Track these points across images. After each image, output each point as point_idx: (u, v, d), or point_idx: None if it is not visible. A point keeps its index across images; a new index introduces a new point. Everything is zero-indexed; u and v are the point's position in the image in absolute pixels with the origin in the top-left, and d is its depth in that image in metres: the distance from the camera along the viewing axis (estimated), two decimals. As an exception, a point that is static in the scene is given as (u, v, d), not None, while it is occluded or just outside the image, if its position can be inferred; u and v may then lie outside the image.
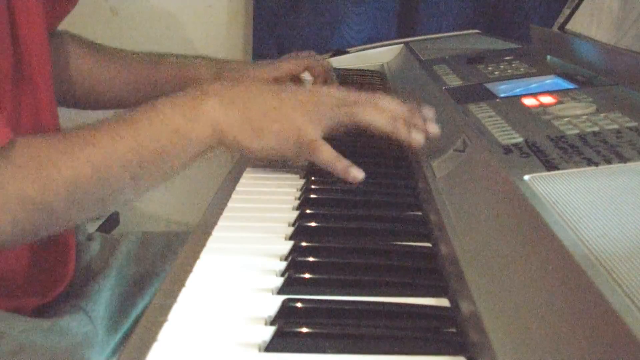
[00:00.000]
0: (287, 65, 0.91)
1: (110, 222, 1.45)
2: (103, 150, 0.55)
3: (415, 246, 0.52)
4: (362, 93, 0.64)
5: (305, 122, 0.60)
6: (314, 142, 0.60)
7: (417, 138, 0.62)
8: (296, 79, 0.93)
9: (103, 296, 0.80)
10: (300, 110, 0.61)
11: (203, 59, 0.91)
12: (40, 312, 0.74)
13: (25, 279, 0.71)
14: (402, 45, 1.26)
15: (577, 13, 0.89)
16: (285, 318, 0.40)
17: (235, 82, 0.63)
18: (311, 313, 0.41)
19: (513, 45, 1.06)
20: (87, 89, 0.88)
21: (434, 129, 0.64)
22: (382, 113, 0.62)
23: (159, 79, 0.89)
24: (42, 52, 0.70)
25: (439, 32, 1.39)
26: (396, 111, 0.63)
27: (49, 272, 0.75)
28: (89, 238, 0.90)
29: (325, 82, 0.94)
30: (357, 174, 0.60)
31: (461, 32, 1.37)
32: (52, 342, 0.69)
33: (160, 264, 0.88)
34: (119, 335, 0.82)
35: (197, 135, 0.58)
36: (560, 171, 0.44)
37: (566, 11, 0.92)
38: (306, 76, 0.96)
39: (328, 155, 0.60)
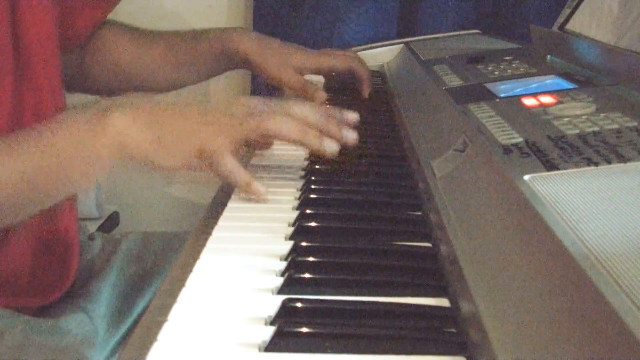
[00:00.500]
0: (332, 60, 0.90)
1: (111, 222, 1.45)
2: (2, 161, 0.55)
3: (415, 246, 0.52)
4: (273, 101, 0.62)
5: (209, 135, 0.58)
6: (216, 154, 0.58)
7: (329, 146, 0.61)
8: (333, 77, 0.92)
9: (104, 296, 0.80)
10: (206, 123, 0.59)
11: (243, 31, 0.91)
12: (41, 311, 0.74)
13: (28, 280, 0.71)
14: (402, 45, 1.26)
15: (577, 13, 0.89)
16: (285, 318, 0.40)
17: (143, 98, 0.61)
18: (311, 313, 0.41)
19: (513, 45, 1.06)
20: (135, 75, 0.89)
21: (349, 135, 0.63)
22: (291, 121, 0.60)
23: (201, 54, 0.89)
24: (48, 53, 0.70)
25: (439, 32, 1.38)
26: (307, 119, 0.61)
27: (51, 272, 0.75)
28: (90, 238, 0.90)
29: (366, 87, 0.95)
30: (259, 188, 0.59)
31: (461, 32, 1.36)
32: (52, 341, 0.69)
33: (161, 264, 0.88)
34: (119, 335, 0.82)
35: (98, 150, 0.56)
36: (560, 171, 0.44)
37: (566, 11, 0.92)
38: (314, 77, 0.94)
39: (229, 168, 0.58)
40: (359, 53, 1.31)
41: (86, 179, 0.59)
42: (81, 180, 0.59)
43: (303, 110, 0.62)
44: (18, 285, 0.70)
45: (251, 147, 0.71)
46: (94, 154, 0.56)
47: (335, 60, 0.91)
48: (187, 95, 0.98)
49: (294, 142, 0.61)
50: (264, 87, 1.26)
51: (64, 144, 0.56)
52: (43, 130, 0.57)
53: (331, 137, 0.62)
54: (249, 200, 0.61)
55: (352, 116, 0.65)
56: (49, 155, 0.56)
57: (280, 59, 0.88)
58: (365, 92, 0.96)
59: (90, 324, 0.76)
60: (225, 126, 0.59)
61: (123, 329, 0.83)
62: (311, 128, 0.61)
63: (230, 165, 0.58)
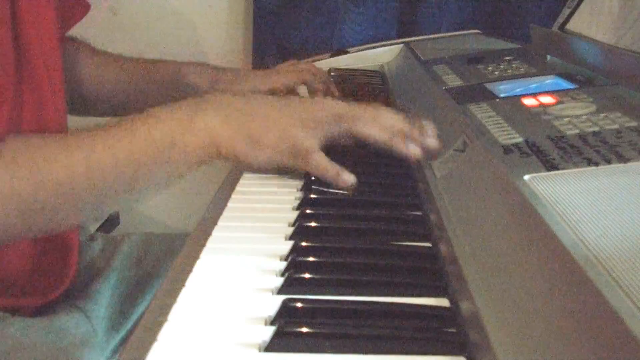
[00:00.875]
0: (283, 78, 0.91)
1: (110, 222, 1.45)
2: (99, 155, 0.55)
3: (415, 246, 0.52)
4: (361, 106, 0.65)
5: (301, 133, 0.61)
6: (309, 152, 0.60)
7: (414, 152, 0.63)
8: (292, 91, 0.92)
9: (104, 296, 0.80)
10: (297, 121, 0.61)
11: (199, 65, 0.91)
12: (40, 311, 0.74)
13: (27, 280, 0.71)
14: (402, 45, 1.26)
15: (577, 13, 0.89)
16: (285, 318, 0.40)
17: (232, 93, 0.63)
18: (311, 313, 0.41)
19: (513, 45, 1.06)
20: (89, 95, 0.89)
21: (433, 143, 0.64)
22: (380, 126, 0.63)
23: (154, 84, 0.89)
24: (49, 54, 0.70)
25: (439, 32, 1.38)
26: (395, 125, 0.64)
27: (50, 272, 0.75)
28: (91, 238, 0.90)
29: (325, 95, 0.93)
30: (348, 178, 0.61)
31: (461, 32, 1.36)
32: (49, 341, 0.69)
33: (162, 265, 0.88)
34: (120, 335, 0.82)
35: (193, 148, 0.58)
36: (560, 171, 0.44)
37: (566, 11, 0.92)
38: (302, 90, 0.95)
39: (321, 164, 0.61)
40: (359, 53, 1.32)
41: (179, 172, 0.60)
42: (174, 173, 0.60)
43: (390, 116, 0.64)
44: (17, 284, 0.70)
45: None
46: (187, 150, 0.58)
47: (286, 77, 0.91)
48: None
49: (382, 144, 0.63)
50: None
51: (160, 139, 0.57)
52: (138, 124, 0.58)
53: (415, 143, 0.63)
54: (249, 200, 0.61)
55: (432, 128, 0.66)
56: (145, 149, 0.57)
57: (231, 86, 0.89)
58: None
59: (88, 324, 0.76)
60: (317, 127, 0.61)
61: (124, 330, 0.82)
62: (398, 135, 0.63)
63: (323, 162, 0.61)
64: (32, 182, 0.53)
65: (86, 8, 0.87)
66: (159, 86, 0.89)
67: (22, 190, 0.53)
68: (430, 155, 0.64)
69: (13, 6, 0.64)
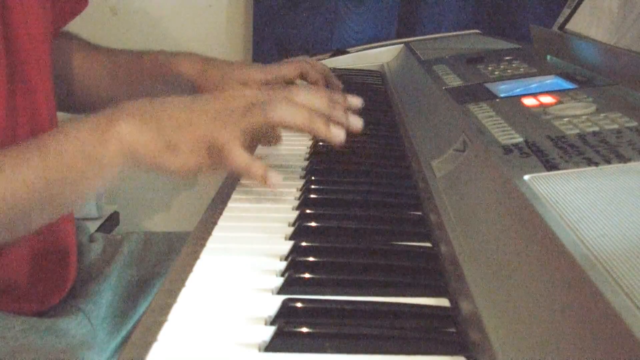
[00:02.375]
0: (279, 69, 0.87)
1: (110, 222, 1.45)
2: (8, 175, 0.54)
3: (415, 246, 0.52)
4: (276, 89, 0.61)
5: (216, 129, 0.57)
6: (225, 148, 0.57)
7: (336, 134, 0.59)
8: (290, 84, 0.89)
9: (104, 297, 0.80)
10: (211, 118, 0.58)
11: (189, 55, 0.88)
12: (40, 312, 0.74)
13: (26, 286, 0.71)
14: (402, 45, 1.26)
15: (577, 13, 0.89)
16: (285, 318, 0.40)
17: (149, 99, 0.60)
18: (311, 313, 0.41)
19: (513, 45, 1.06)
20: (82, 90, 0.88)
21: (355, 122, 0.61)
22: (296, 109, 0.59)
23: (144, 75, 0.87)
24: (40, 55, 0.69)
25: (439, 32, 1.39)
26: (313, 105, 0.60)
27: (49, 278, 0.74)
28: (92, 239, 0.90)
29: (325, 87, 0.91)
30: (274, 177, 0.57)
31: (461, 32, 1.37)
32: (49, 342, 0.69)
33: (163, 265, 0.88)
34: (121, 336, 0.82)
35: (108, 158, 0.56)
36: (560, 171, 0.44)
37: (566, 11, 0.92)
38: (300, 84, 0.93)
39: (241, 160, 0.57)
40: (359, 53, 1.32)
41: (95, 186, 0.59)
42: (90, 188, 0.59)
43: (307, 96, 0.60)
44: (16, 291, 0.70)
45: (260, 141, 0.69)
46: (103, 163, 0.56)
47: (283, 68, 0.87)
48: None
49: (300, 129, 0.59)
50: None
51: (72, 154, 0.55)
52: (48, 141, 0.56)
53: (337, 123, 0.60)
54: (249, 200, 0.61)
55: (356, 101, 0.63)
56: (57, 166, 0.55)
57: (222, 74, 0.85)
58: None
59: (88, 325, 0.75)
60: (230, 119, 0.58)
61: (125, 330, 0.82)
62: (317, 114, 0.59)
63: (241, 157, 0.57)
64: None
65: (84, 3, 0.86)
66: (148, 77, 0.87)
67: None
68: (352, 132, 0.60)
69: (3, 8, 0.64)
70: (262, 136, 0.64)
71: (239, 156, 0.57)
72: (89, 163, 0.56)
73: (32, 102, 0.67)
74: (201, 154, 0.57)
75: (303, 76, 0.89)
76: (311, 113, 0.59)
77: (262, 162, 0.58)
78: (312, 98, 0.60)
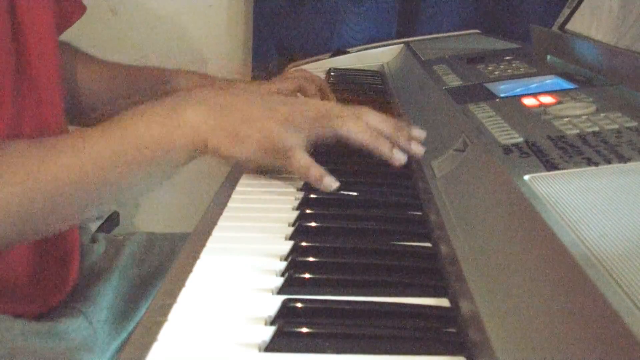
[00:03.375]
0: (278, 85, 0.88)
1: (110, 223, 1.45)
2: (85, 157, 0.55)
3: (415, 246, 0.52)
4: (347, 107, 0.63)
5: (284, 131, 0.59)
6: (291, 150, 0.59)
7: (397, 157, 0.62)
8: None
9: (105, 299, 0.80)
10: (280, 119, 0.60)
11: (187, 73, 0.89)
12: (40, 315, 0.74)
13: (28, 286, 0.71)
14: (402, 45, 1.27)
15: (577, 13, 0.89)
16: (285, 318, 0.40)
17: (217, 89, 0.62)
18: (311, 313, 0.41)
19: (513, 45, 1.06)
20: (84, 102, 0.87)
21: (417, 149, 0.63)
22: (364, 127, 0.61)
23: (139, 88, 0.88)
24: (48, 54, 0.70)
25: (439, 32, 1.39)
26: (379, 127, 0.62)
27: (51, 278, 0.74)
28: (93, 240, 0.90)
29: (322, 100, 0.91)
30: (331, 182, 0.59)
31: (461, 32, 1.37)
32: (49, 345, 0.69)
33: (165, 265, 0.88)
34: (122, 337, 0.82)
35: (178, 144, 0.57)
36: (560, 171, 0.44)
37: (566, 11, 0.92)
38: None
39: (302, 163, 0.59)
40: (359, 53, 1.32)
41: (167, 171, 0.59)
42: (162, 173, 0.59)
43: (375, 118, 0.63)
44: (18, 291, 0.70)
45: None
46: (175, 147, 0.57)
47: (281, 84, 0.88)
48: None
49: (366, 147, 0.61)
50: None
51: (146, 138, 0.56)
52: (114, 128, 0.57)
53: (400, 148, 0.62)
54: (249, 200, 0.61)
55: (420, 133, 0.65)
56: (132, 150, 0.56)
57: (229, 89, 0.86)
58: None
59: (89, 327, 0.75)
60: (301, 124, 0.60)
61: (126, 331, 0.82)
62: (382, 136, 0.62)
63: (305, 162, 0.59)
64: (23, 190, 0.53)
65: (82, 10, 0.86)
66: (145, 92, 0.87)
67: (13, 198, 0.53)
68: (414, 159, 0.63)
69: (12, 8, 0.64)
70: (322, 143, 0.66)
71: (301, 160, 0.59)
72: (159, 148, 0.57)
73: (38, 100, 0.68)
74: (266, 151, 0.59)
75: (301, 90, 0.90)
76: (377, 133, 0.62)
77: (320, 167, 0.60)
78: (379, 120, 0.63)
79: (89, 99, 0.88)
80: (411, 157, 0.63)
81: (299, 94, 0.91)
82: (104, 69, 0.89)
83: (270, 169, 0.67)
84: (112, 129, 0.57)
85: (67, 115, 0.80)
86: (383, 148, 0.61)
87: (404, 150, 0.63)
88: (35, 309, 0.73)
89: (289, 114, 0.60)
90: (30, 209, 0.54)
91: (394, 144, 0.62)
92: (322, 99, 0.91)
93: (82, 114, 0.88)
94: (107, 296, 0.80)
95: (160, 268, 0.88)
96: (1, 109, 0.63)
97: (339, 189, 0.60)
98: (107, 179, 0.56)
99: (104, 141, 0.56)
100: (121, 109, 0.71)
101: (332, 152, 0.72)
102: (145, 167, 0.57)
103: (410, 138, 0.64)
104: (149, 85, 0.87)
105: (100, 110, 0.89)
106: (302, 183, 0.64)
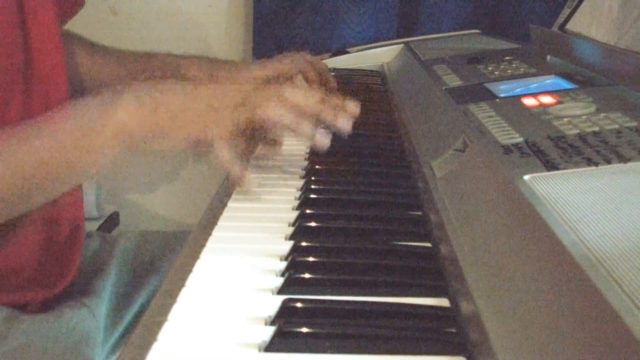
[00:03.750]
0: (280, 65, 0.89)
1: (110, 222, 1.45)
2: (25, 147, 0.57)
3: (415, 246, 0.52)
4: (270, 87, 0.62)
5: (205, 124, 0.59)
6: (212, 142, 0.59)
7: (319, 140, 0.60)
8: (289, 80, 0.91)
9: (105, 293, 0.80)
10: (203, 111, 0.60)
11: (196, 57, 0.90)
12: (45, 309, 0.74)
13: (34, 272, 0.72)
14: (402, 45, 1.26)
15: (577, 13, 0.89)
16: (285, 318, 0.40)
17: (152, 84, 0.62)
18: (311, 313, 0.41)
19: (513, 45, 1.06)
20: (86, 89, 0.89)
21: (343, 124, 0.61)
22: (285, 109, 0.59)
23: (148, 76, 0.88)
24: (54, 47, 0.71)
25: (439, 32, 1.39)
26: (302, 103, 0.60)
27: (56, 265, 0.75)
28: (88, 236, 0.90)
29: (323, 86, 0.92)
30: (249, 183, 0.60)
31: (461, 32, 1.37)
32: (57, 337, 0.69)
33: (158, 262, 0.88)
34: (117, 333, 0.82)
35: (104, 139, 0.58)
36: (560, 171, 0.44)
37: (566, 11, 0.92)
38: (298, 80, 0.94)
39: (224, 158, 0.59)
40: (359, 53, 1.32)
41: (94, 162, 0.61)
42: (89, 163, 0.61)
43: (297, 95, 0.60)
44: (24, 277, 0.71)
45: (258, 141, 0.69)
46: (100, 143, 0.58)
47: (283, 65, 0.89)
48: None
49: (286, 129, 0.60)
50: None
51: (72, 129, 0.58)
52: (55, 116, 0.59)
53: (325, 124, 0.61)
54: (249, 200, 0.61)
55: (353, 106, 0.63)
56: (59, 139, 0.58)
57: (230, 75, 0.88)
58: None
59: (93, 320, 0.76)
60: (219, 114, 0.60)
61: (121, 327, 0.83)
62: (305, 116, 0.59)
63: (224, 155, 0.59)
64: (5, 167, 0.56)
65: (81, 2, 0.86)
66: (154, 78, 0.88)
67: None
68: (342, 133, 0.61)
69: (19, 6, 0.65)
70: (258, 136, 0.64)
71: (223, 153, 0.59)
72: (86, 137, 0.58)
73: (46, 94, 0.69)
74: (189, 143, 0.60)
75: (301, 73, 0.91)
76: (300, 114, 0.59)
77: (242, 165, 0.59)
78: (301, 97, 0.61)
79: (93, 86, 0.89)
80: (338, 132, 0.61)
81: (300, 75, 0.91)
82: (109, 56, 0.90)
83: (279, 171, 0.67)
84: (50, 120, 0.59)
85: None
86: (304, 130, 0.59)
87: (329, 125, 0.60)
88: (40, 296, 0.73)
89: (209, 104, 0.60)
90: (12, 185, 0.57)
91: (320, 120, 0.60)
92: (322, 84, 0.92)
93: None
94: (106, 290, 0.81)
95: (153, 265, 0.88)
96: (11, 104, 0.64)
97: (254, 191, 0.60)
98: (41, 170, 0.58)
99: (42, 132, 0.58)
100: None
101: (331, 152, 0.72)
102: (74, 162, 0.59)
103: (338, 111, 0.61)
104: (159, 72, 0.88)
105: None
106: (302, 183, 0.64)
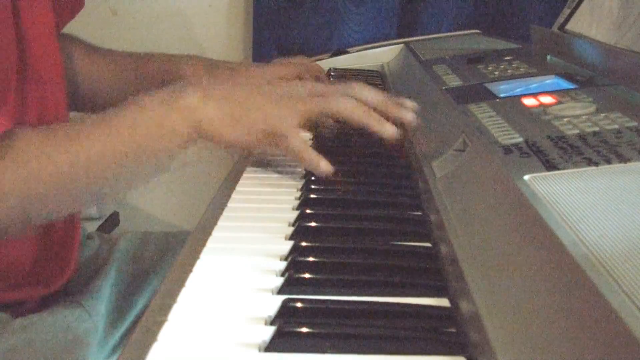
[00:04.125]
0: (278, 69, 0.89)
1: (110, 222, 1.45)
2: (94, 143, 0.57)
3: (415, 246, 0.52)
4: (336, 84, 0.65)
5: (277, 113, 0.61)
6: (286, 133, 0.61)
7: (389, 129, 0.63)
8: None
9: (104, 293, 0.80)
10: (273, 102, 0.61)
11: (192, 57, 0.90)
12: (41, 308, 0.74)
13: (32, 268, 0.72)
14: (402, 45, 1.26)
15: (577, 13, 0.89)
16: (285, 318, 0.40)
17: (214, 78, 0.64)
18: (311, 313, 0.41)
19: (513, 45, 1.06)
20: (85, 91, 0.88)
21: (408, 116, 0.64)
22: (354, 103, 0.63)
23: (145, 76, 0.89)
24: (49, 49, 0.70)
25: (439, 32, 1.38)
26: (370, 100, 0.64)
27: (53, 263, 0.75)
28: (89, 237, 0.90)
29: None
30: (326, 167, 0.61)
31: (461, 32, 1.36)
32: (52, 337, 0.69)
33: (159, 263, 0.88)
34: (118, 334, 0.82)
35: (177, 126, 0.59)
36: (560, 171, 0.44)
37: (566, 11, 0.92)
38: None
39: (297, 146, 0.61)
40: (359, 53, 1.32)
41: (166, 157, 0.61)
42: (161, 158, 0.61)
43: (365, 92, 0.64)
44: (22, 274, 0.71)
45: (315, 130, 0.72)
46: (172, 132, 0.59)
47: (281, 69, 0.89)
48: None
49: (357, 122, 0.63)
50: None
51: (144, 125, 0.58)
52: (120, 113, 0.59)
53: (392, 118, 0.64)
54: (249, 200, 0.61)
55: (411, 103, 0.67)
56: (130, 136, 0.58)
57: (226, 77, 0.88)
58: None
59: (89, 320, 0.76)
60: (292, 104, 0.61)
61: (122, 327, 0.83)
62: (372, 110, 0.63)
63: (299, 145, 0.61)
64: (32, 175, 0.55)
65: (80, 5, 0.87)
66: (153, 80, 0.88)
67: (24, 183, 0.54)
68: (408, 132, 0.64)
69: (14, 6, 0.65)
70: (317, 126, 0.68)
71: (296, 144, 0.61)
72: (161, 131, 0.58)
73: (42, 94, 0.69)
74: (260, 133, 0.61)
75: (299, 78, 0.90)
76: (367, 108, 0.63)
77: (315, 152, 0.61)
78: (368, 94, 0.64)
79: (92, 88, 0.89)
80: (406, 125, 0.65)
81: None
82: (107, 58, 0.90)
83: (269, 155, 0.68)
84: (118, 115, 0.59)
85: (70, 105, 0.81)
86: (374, 123, 0.62)
87: (396, 118, 0.64)
88: (37, 292, 0.73)
89: (280, 95, 0.62)
90: (41, 195, 0.56)
91: (386, 117, 0.63)
92: None
93: (86, 103, 0.90)
94: (105, 290, 0.81)
95: (154, 265, 0.88)
96: (6, 105, 0.64)
97: (336, 175, 0.61)
98: (116, 164, 0.58)
99: (112, 128, 0.58)
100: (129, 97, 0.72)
101: (331, 152, 0.72)
102: (149, 153, 0.59)
103: (402, 108, 0.65)
104: (157, 73, 0.89)
105: (105, 99, 0.89)
106: (302, 183, 0.64)
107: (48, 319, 0.71)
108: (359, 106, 0.63)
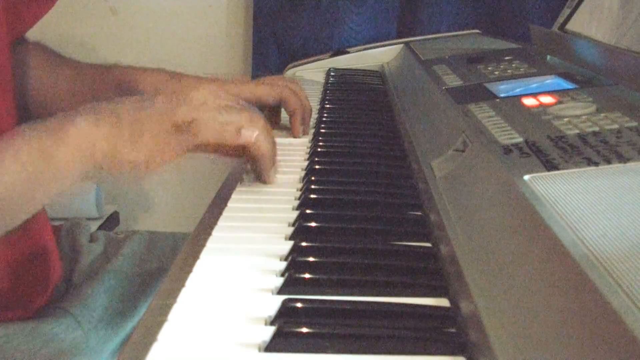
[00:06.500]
0: (259, 89, 0.79)
1: (110, 222, 1.45)
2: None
3: (415, 246, 0.52)
4: (221, 110, 0.60)
5: (166, 140, 0.57)
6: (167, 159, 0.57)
7: (270, 178, 0.63)
8: (269, 107, 0.83)
9: (97, 300, 0.79)
10: (172, 122, 0.57)
11: (155, 71, 0.83)
12: (25, 319, 0.72)
13: (6, 293, 0.69)
14: (402, 45, 1.27)
15: (577, 13, 0.89)
16: (285, 318, 0.40)
17: (102, 103, 0.58)
18: (311, 313, 0.41)
19: (513, 45, 1.06)
20: (40, 101, 0.84)
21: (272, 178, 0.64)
22: (220, 130, 0.58)
23: (106, 89, 0.84)
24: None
25: (439, 32, 1.39)
26: (233, 123, 0.59)
27: (29, 283, 0.73)
28: (92, 239, 0.89)
29: (302, 117, 0.82)
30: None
31: (461, 32, 1.37)
32: (34, 347, 0.67)
33: (166, 264, 0.87)
34: (120, 337, 0.81)
35: (66, 157, 0.54)
36: (560, 171, 0.44)
37: (566, 11, 0.92)
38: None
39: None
40: (359, 53, 1.32)
41: (56, 188, 0.56)
42: (50, 192, 0.56)
43: (265, 143, 0.60)
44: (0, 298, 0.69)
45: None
46: (61, 162, 0.54)
47: (263, 90, 0.78)
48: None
49: (254, 156, 0.61)
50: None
51: (28, 154, 0.53)
52: (4, 143, 0.54)
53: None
54: (249, 200, 0.61)
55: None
56: (16, 167, 0.53)
57: (188, 91, 0.82)
58: (296, 130, 0.82)
59: (79, 329, 0.74)
60: (168, 141, 0.57)
61: (125, 330, 0.82)
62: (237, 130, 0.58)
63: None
64: None
65: (48, 6, 0.82)
66: (112, 93, 0.83)
67: None
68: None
69: None
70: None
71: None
72: (46, 163, 0.53)
73: None
74: (165, 145, 0.57)
75: (282, 102, 0.81)
76: (268, 150, 0.61)
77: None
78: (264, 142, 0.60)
79: (47, 97, 0.84)
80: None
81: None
82: (68, 68, 0.85)
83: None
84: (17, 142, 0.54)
85: (24, 115, 0.76)
86: (232, 150, 0.60)
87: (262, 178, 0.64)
88: (18, 314, 0.71)
89: (167, 121, 0.57)
90: None
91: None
92: (302, 116, 0.83)
93: (41, 113, 0.84)
94: (98, 298, 0.79)
95: (161, 268, 0.87)
96: None
97: None
98: (24, 183, 0.54)
99: (11, 152, 0.53)
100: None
101: (331, 152, 0.72)
102: (36, 185, 0.54)
103: (270, 172, 0.64)
104: (116, 85, 0.83)
105: (60, 109, 0.85)
106: (302, 183, 0.64)
107: (31, 328, 0.68)
108: (264, 144, 0.59)
